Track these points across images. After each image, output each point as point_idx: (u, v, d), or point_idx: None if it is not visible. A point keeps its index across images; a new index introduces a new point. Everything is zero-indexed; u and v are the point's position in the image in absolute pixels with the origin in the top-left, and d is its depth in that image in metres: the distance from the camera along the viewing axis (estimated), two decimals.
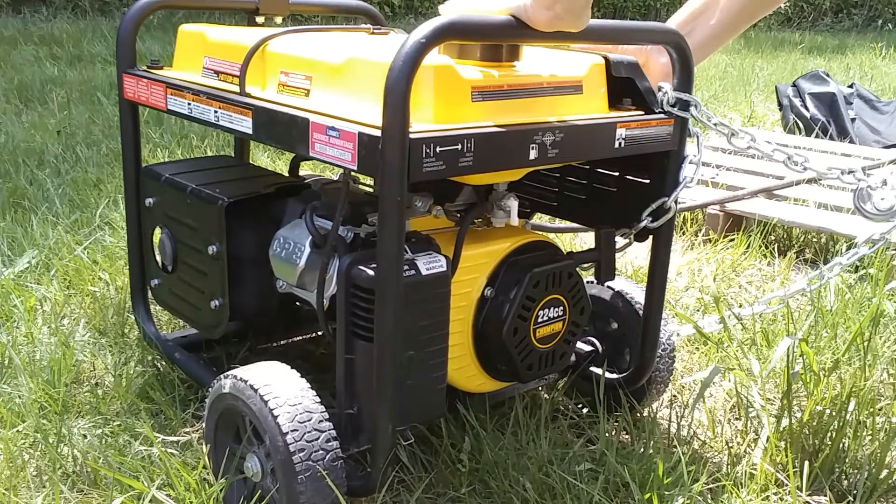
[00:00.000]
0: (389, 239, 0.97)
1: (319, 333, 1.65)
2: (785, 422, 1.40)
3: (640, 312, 1.40)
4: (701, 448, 1.41)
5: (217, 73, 1.33)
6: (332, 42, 1.21)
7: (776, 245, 2.47)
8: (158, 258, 1.47)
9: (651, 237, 1.33)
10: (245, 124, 1.17)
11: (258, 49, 1.23)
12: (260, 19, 1.56)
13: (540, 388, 1.51)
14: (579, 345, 1.46)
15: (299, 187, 1.36)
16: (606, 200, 1.38)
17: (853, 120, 3.88)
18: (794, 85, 4.08)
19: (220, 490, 1.15)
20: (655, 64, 1.30)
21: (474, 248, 1.23)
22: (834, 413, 1.40)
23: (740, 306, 2.03)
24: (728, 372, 1.60)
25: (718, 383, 1.62)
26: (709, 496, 1.28)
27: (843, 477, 1.33)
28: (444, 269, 1.11)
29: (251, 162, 1.89)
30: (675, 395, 1.60)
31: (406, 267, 1.07)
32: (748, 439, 1.44)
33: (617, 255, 1.35)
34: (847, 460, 1.34)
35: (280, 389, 1.07)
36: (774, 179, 2.78)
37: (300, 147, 1.07)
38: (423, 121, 1.02)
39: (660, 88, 1.24)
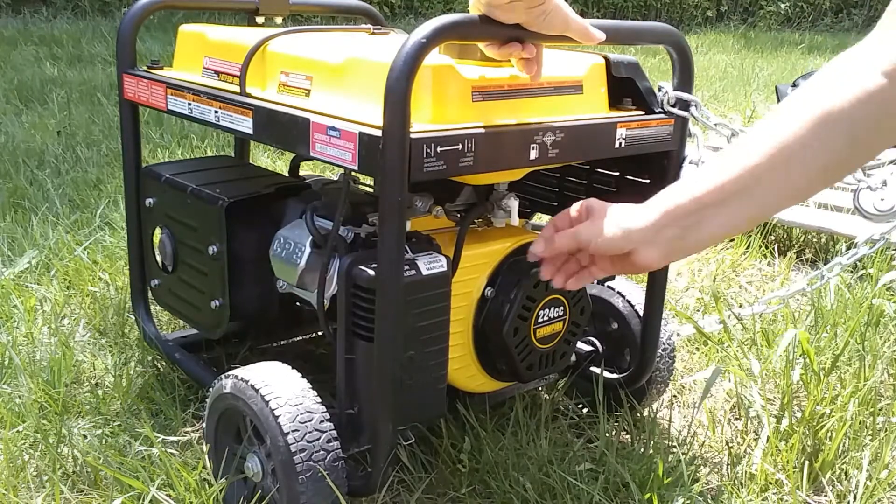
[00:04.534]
0: (390, 239, 0.97)
1: (319, 333, 1.65)
2: (785, 422, 1.40)
3: (640, 312, 1.40)
4: (701, 448, 1.41)
5: (217, 73, 1.33)
6: (333, 42, 1.21)
7: (776, 245, 2.47)
8: (158, 258, 1.47)
9: None
10: (245, 124, 1.17)
11: (258, 49, 1.23)
12: (260, 19, 1.56)
13: (540, 388, 1.51)
14: (579, 345, 1.46)
15: (299, 187, 1.36)
16: (607, 200, 1.38)
17: None
18: (794, 85, 4.08)
19: (221, 490, 1.15)
20: None
21: (475, 248, 1.23)
22: (834, 413, 1.40)
23: (740, 306, 2.03)
24: (728, 372, 1.60)
25: (718, 383, 1.62)
26: (709, 496, 1.28)
27: (844, 477, 1.33)
28: (445, 269, 1.11)
29: (251, 162, 1.89)
30: (675, 395, 1.60)
31: (406, 267, 1.07)
32: (748, 439, 1.44)
33: None
34: (847, 460, 1.34)
35: (281, 389, 1.07)
36: None
37: (301, 147, 1.07)
38: (424, 121, 1.02)
39: (660, 88, 1.24)
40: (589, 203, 1.06)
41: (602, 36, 1.03)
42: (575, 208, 1.07)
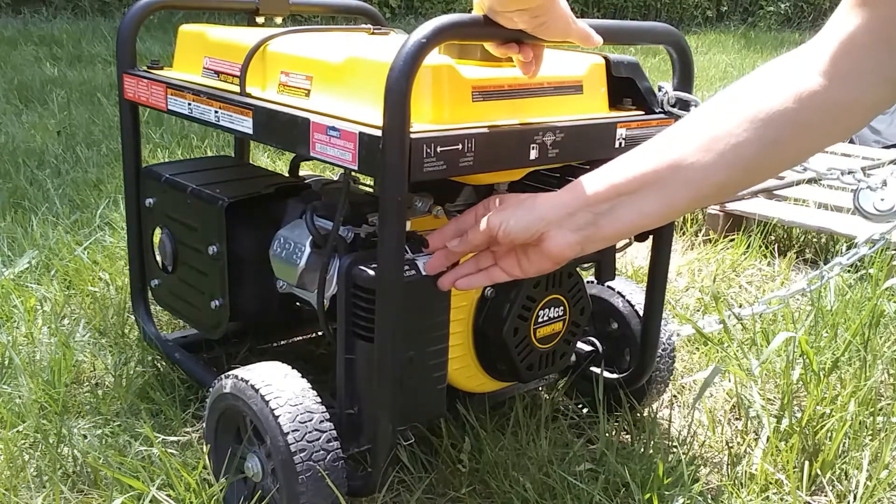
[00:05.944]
0: (390, 239, 0.97)
1: (319, 333, 1.65)
2: (785, 422, 1.40)
3: (640, 312, 1.40)
4: (701, 448, 1.41)
5: (217, 73, 1.33)
6: (333, 42, 1.21)
7: (776, 245, 2.47)
8: (158, 258, 1.47)
9: (651, 237, 1.33)
10: (245, 124, 1.17)
11: (258, 49, 1.23)
12: (260, 19, 1.56)
13: (540, 388, 1.51)
14: (579, 345, 1.46)
15: (299, 187, 1.36)
16: None
17: None
18: None
19: (221, 490, 1.15)
20: None
21: None
22: (834, 413, 1.40)
23: (740, 306, 2.03)
24: (728, 372, 1.60)
25: (718, 383, 1.62)
26: (709, 496, 1.28)
27: (844, 477, 1.33)
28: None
29: (251, 162, 1.89)
30: (675, 395, 1.60)
31: (406, 267, 1.07)
32: (748, 439, 1.44)
33: (617, 255, 1.35)
34: (847, 460, 1.34)
35: (281, 389, 1.07)
36: (774, 179, 2.78)
37: (301, 147, 1.07)
38: (424, 121, 1.02)
39: (660, 88, 1.24)
40: (501, 196, 1.06)
41: (601, 40, 1.03)
42: (484, 203, 1.06)
